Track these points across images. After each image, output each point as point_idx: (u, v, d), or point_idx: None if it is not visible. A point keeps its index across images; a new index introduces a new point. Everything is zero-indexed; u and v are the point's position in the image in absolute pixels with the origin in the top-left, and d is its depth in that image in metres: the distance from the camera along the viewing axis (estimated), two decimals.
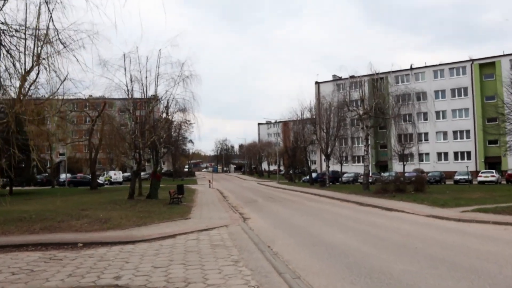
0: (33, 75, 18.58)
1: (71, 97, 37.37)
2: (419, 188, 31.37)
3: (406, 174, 49.04)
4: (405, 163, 53.71)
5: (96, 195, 35.25)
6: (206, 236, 14.30)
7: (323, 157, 79.35)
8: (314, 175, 62.07)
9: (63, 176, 59.90)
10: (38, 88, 20.69)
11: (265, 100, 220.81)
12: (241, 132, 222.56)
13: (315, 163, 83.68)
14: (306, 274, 8.72)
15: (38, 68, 19.23)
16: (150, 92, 29.33)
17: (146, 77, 28.96)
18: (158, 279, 8.59)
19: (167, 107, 29.58)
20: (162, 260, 10.45)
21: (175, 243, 13.08)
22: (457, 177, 51.46)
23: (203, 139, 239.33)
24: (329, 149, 47.14)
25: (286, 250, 11.40)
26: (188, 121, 67.83)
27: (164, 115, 30.20)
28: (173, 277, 8.68)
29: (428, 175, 51.73)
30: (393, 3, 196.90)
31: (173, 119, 42.85)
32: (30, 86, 14.36)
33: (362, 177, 57.91)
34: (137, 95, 29.62)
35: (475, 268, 8.78)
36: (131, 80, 28.72)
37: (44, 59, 19.48)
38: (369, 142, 35.95)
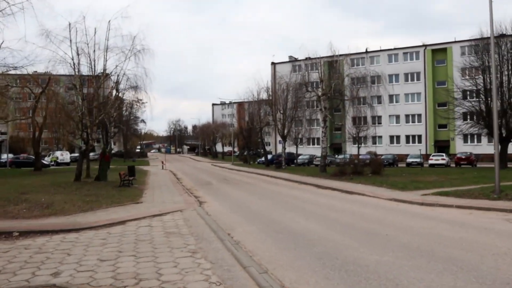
0: None
1: (12, 72, 34.74)
2: (376, 170, 31.27)
3: (360, 157, 49.64)
4: (359, 145, 54.34)
5: (40, 177, 32.99)
6: (159, 222, 13.16)
7: (278, 138, 79.41)
8: (269, 156, 61.57)
9: (4, 157, 56.24)
10: None
11: (221, 81, 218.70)
12: (196, 113, 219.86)
13: (269, 145, 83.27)
14: (273, 268, 7.79)
15: None
16: (99, 67, 27.40)
17: (94, 51, 26.99)
18: (104, 275, 7.45)
19: (117, 83, 27.72)
20: (110, 252, 9.29)
21: (125, 230, 11.88)
22: (409, 160, 52.39)
23: (156, 119, 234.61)
24: (286, 131, 46.51)
25: (248, 239, 10.43)
26: (140, 100, 65.59)
27: (114, 92, 28.27)
28: (122, 273, 7.56)
29: (382, 157, 52.28)
30: None
31: (124, 97, 40.91)
32: None
33: (317, 159, 58.37)
34: (84, 69, 27.61)
35: (454, 258, 8.15)
36: (77, 53, 26.69)
37: None
38: (327, 124, 35.49)
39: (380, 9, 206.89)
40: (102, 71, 27.14)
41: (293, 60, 79.90)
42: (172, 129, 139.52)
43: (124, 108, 72.66)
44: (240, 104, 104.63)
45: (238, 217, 13.97)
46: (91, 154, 61.48)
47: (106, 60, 26.72)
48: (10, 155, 58.08)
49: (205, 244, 9.81)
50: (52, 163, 60.32)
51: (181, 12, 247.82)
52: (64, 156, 62.99)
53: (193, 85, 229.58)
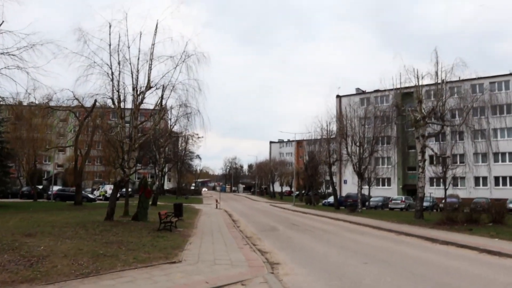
0: None
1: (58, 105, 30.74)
2: (497, 218, 23.41)
3: (448, 200, 42.20)
4: (446, 187, 46.15)
5: (72, 213, 27.78)
6: None
7: (344, 178, 71.69)
8: (332, 197, 54.27)
9: (55, 188, 52.68)
10: None
11: (280, 122, 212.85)
12: (253, 152, 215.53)
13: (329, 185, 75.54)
14: None
15: None
16: (141, 79, 22.03)
17: (138, 58, 21.72)
18: None
19: (161, 97, 22.08)
20: None
21: None
22: (511, 205, 43.29)
23: (212, 158, 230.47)
24: (363, 167, 39.23)
25: None
26: (196, 134, 60.81)
27: (158, 107, 22.55)
28: None
29: (473, 201, 43.77)
30: (407, 31, 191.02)
31: (175, 129, 35.86)
32: None
33: (393, 202, 50.34)
34: (126, 80, 22.41)
35: None
36: (118, 63, 21.52)
37: None
38: (425, 157, 28.04)
39: (444, 50, 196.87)
40: (146, 82, 21.65)
41: (360, 93, 73.18)
42: (228, 167, 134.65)
43: (179, 143, 68.51)
44: (299, 143, 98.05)
45: None
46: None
47: (151, 68, 21.34)
48: (59, 187, 54.72)
49: None
50: (101, 197, 56.21)
51: (240, 55, 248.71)
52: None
53: (252, 126, 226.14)
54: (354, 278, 9.90)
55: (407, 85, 29.11)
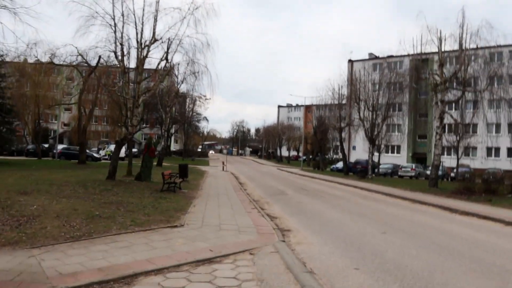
0: None
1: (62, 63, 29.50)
2: None
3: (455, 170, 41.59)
4: (459, 157, 44.91)
5: (75, 171, 26.98)
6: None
7: (353, 144, 70.57)
8: (340, 163, 53.31)
9: (59, 147, 52.02)
10: None
11: (288, 87, 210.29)
12: (261, 116, 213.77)
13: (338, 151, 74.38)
14: None
15: None
16: (146, 33, 20.76)
17: (144, 8, 20.35)
18: None
19: (167, 51, 20.71)
20: None
21: None
22: None
23: (220, 121, 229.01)
24: (375, 133, 37.92)
25: None
26: (204, 96, 59.53)
27: (163, 63, 21.25)
28: None
29: (486, 171, 42.66)
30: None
31: (183, 88, 34.62)
32: None
33: (403, 169, 49.31)
34: (130, 32, 21.15)
35: None
36: (122, 14, 20.16)
37: None
38: (444, 122, 26.70)
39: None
40: (151, 35, 20.32)
41: (374, 58, 70.88)
42: (235, 130, 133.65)
43: (187, 104, 67.20)
44: (308, 107, 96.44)
45: None
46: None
47: (156, 20, 19.98)
48: (64, 146, 54.11)
49: None
50: (106, 157, 55.56)
51: (250, 18, 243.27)
52: None
53: (260, 91, 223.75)
54: (375, 249, 8.88)
55: (427, 48, 27.59)
